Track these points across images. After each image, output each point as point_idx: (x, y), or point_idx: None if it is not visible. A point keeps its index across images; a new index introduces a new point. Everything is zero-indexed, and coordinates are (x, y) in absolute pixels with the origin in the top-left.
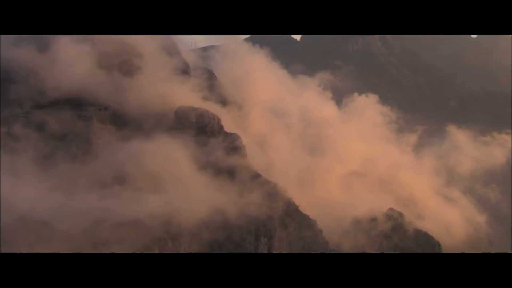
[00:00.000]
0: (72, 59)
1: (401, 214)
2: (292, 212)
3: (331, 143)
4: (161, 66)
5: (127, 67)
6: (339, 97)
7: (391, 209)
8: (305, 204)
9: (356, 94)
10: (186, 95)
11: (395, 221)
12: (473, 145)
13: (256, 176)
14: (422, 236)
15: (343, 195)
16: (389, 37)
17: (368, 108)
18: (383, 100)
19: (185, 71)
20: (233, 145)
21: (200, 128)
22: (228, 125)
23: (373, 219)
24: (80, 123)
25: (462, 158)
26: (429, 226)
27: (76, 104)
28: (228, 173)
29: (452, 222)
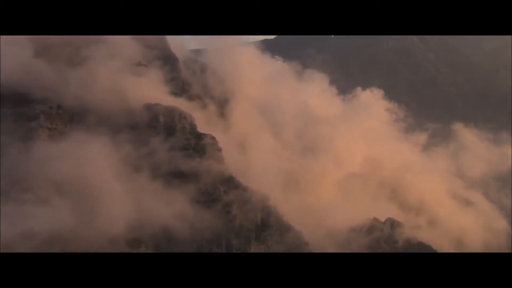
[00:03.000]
0: (6, 50)
1: (399, 224)
2: (273, 223)
3: (328, 142)
4: (130, 58)
5: (75, 59)
6: (347, 93)
7: (390, 218)
8: (291, 212)
9: (359, 89)
10: (158, 91)
11: (392, 231)
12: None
13: (227, 181)
14: (424, 249)
15: (338, 202)
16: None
17: (372, 104)
18: (417, 99)
19: (164, 64)
20: (199, 146)
21: (168, 128)
22: (209, 124)
23: (368, 229)
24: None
25: (480, 159)
26: (437, 236)
27: (6, 101)
28: (189, 178)
29: (465, 229)
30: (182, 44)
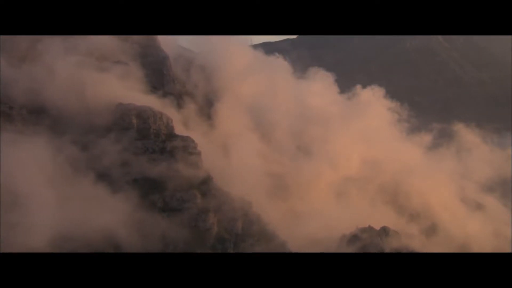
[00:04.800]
0: None
1: (395, 233)
2: (255, 232)
3: (323, 143)
4: (107, 55)
5: (31, 53)
6: (348, 92)
7: (384, 227)
8: (277, 220)
9: (359, 86)
10: (134, 90)
11: (386, 239)
12: None
13: (204, 186)
14: None
15: (332, 208)
16: None
17: (373, 103)
18: (441, 99)
19: (149, 61)
20: (174, 149)
21: (142, 131)
22: (190, 125)
23: (358, 239)
24: None
25: (491, 163)
26: (436, 244)
27: None
28: (158, 184)
29: (471, 236)
30: (173, 41)
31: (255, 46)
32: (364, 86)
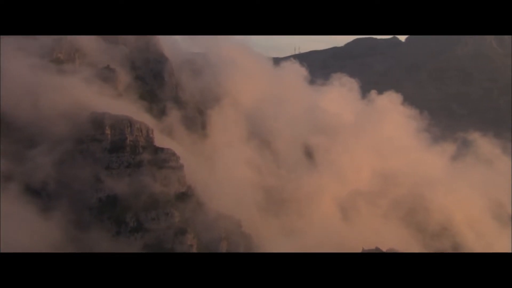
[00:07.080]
0: None
1: None
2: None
3: (328, 153)
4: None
5: None
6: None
7: (391, 249)
8: (270, 240)
9: (374, 92)
10: (113, 97)
11: None
12: None
13: (183, 202)
14: None
15: (336, 225)
16: (507, 37)
17: (389, 111)
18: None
19: (141, 66)
20: (152, 162)
21: (116, 142)
22: (176, 135)
23: None
24: None
25: None
26: None
27: None
28: (125, 201)
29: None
30: (168, 42)
31: (300, 55)
32: (381, 92)
